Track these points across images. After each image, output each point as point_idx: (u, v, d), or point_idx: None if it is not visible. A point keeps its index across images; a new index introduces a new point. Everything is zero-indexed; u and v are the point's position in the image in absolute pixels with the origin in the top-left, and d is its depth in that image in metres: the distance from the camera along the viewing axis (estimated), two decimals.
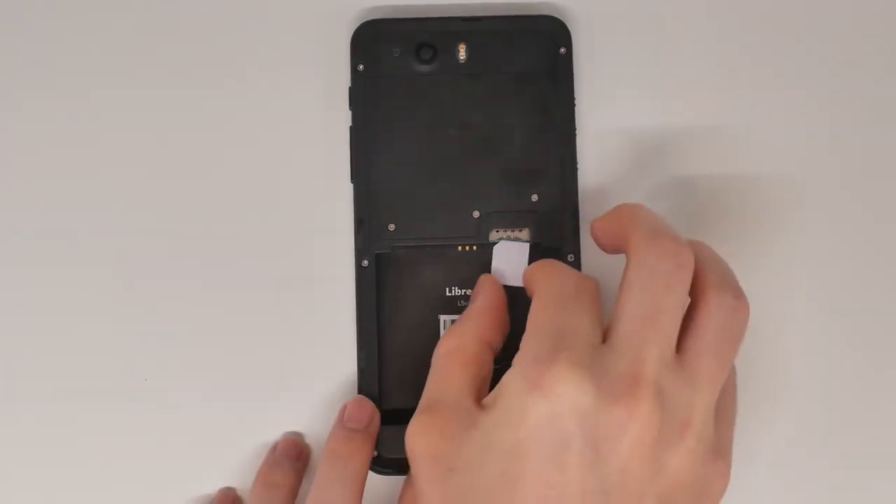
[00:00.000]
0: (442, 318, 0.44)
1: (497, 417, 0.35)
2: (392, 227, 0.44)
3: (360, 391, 0.43)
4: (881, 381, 0.45)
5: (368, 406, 0.43)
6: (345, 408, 0.43)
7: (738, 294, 0.36)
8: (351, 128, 0.44)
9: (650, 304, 0.35)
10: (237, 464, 0.44)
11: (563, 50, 0.44)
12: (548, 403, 0.34)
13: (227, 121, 0.45)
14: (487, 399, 0.37)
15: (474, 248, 0.44)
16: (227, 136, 0.45)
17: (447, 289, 0.44)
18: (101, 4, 0.46)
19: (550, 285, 0.38)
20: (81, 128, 0.45)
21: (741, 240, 0.45)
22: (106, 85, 0.45)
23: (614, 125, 0.45)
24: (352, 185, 0.44)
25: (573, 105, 0.44)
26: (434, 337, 0.43)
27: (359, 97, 0.44)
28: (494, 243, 0.43)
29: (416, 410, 0.38)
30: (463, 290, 0.44)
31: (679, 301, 0.36)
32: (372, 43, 0.44)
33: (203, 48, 0.46)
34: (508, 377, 0.36)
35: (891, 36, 0.46)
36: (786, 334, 0.45)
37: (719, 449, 0.36)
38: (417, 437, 0.37)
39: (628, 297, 0.36)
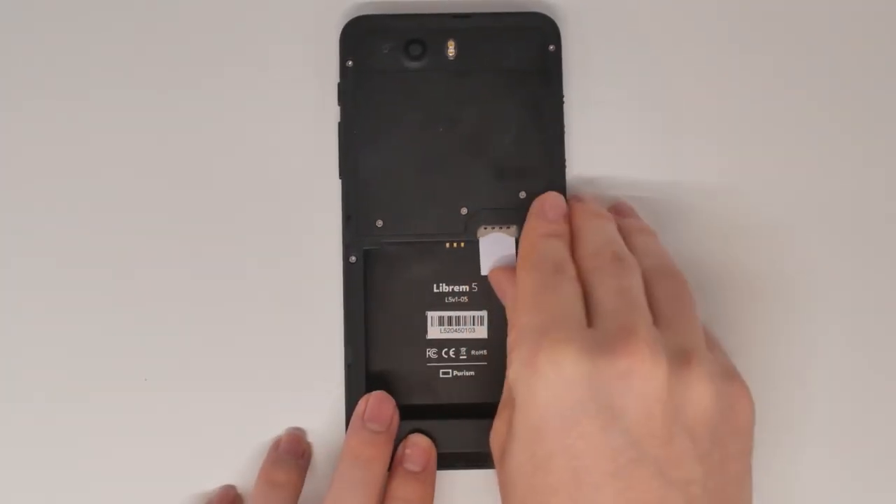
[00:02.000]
0: (429, 314, 0.44)
1: (516, 410, 0.36)
2: (380, 223, 0.44)
3: (346, 387, 0.43)
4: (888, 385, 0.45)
5: (389, 405, 0.43)
6: (365, 404, 0.43)
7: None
8: (339, 124, 0.44)
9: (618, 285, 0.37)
10: (236, 462, 0.44)
11: (552, 47, 0.44)
12: (549, 379, 0.34)
13: (217, 117, 0.45)
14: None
15: (462, 244, 0.44)
16: (218, 133, 0.45)
17: (435, 285, 0.44)
18: (100, 4, 0.46)
19: (528, 264, 0.39)
20: (77, 127, 0.45)
21: (733, 241, 0.45)
22: (102, 84, 0.46)
23: (603, 123, 0.45)
24: (340, 182, 0.44)
25: (562, 102, 0.44)
26: (422, 332, 0.44)
27: (348, 93, 0.44)
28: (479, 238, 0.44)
29: None
30: (450, 287, 0.44)
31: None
32: (361, 39, 0.44)
33: (194, 46, 0.46)
34: (510, 370, 0.36)
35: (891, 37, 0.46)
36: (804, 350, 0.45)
37: (727, 370, 0.37)
38: (493, 432, 0.38)
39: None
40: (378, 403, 0.42)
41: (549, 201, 0.41)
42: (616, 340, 0.35)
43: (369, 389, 0.43)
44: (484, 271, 0.43)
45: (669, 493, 0.34)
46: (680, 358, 0.35)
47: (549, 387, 0.35)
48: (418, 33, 0.44)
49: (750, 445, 0.37)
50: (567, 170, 0.44)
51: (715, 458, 0.35)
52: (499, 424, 0.38)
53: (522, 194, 0.44)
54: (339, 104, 0.44)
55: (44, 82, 0.46)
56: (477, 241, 0.43)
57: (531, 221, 0.41)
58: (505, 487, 0.37)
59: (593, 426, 0.34)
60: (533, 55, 0.44)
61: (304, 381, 0.44)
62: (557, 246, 0.40)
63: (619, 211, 0.43)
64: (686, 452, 0.34)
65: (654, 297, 0.38)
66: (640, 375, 0.34)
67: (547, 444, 0.35)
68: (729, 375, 0.37)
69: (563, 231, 0.40)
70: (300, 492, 0.43)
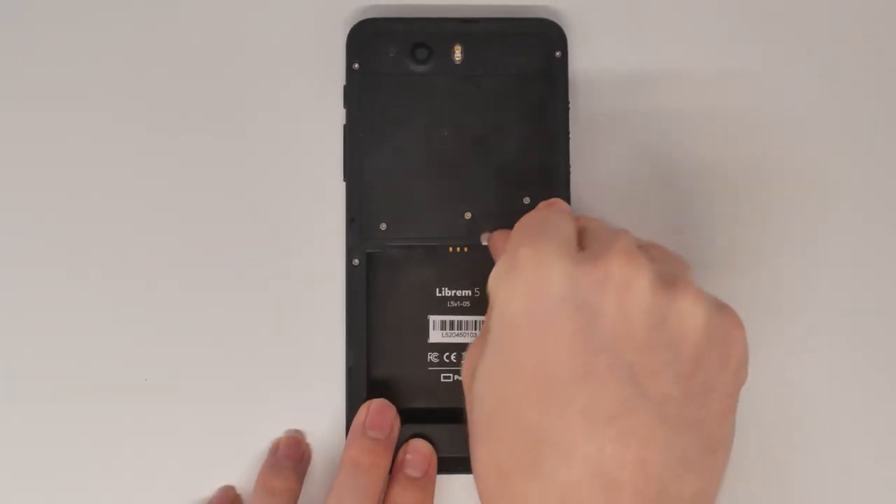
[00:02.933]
0: (431, 318, 0.44)
1: (493, 312, 0.35)
2: (384, 226, 0.44)
3: (348, 390, 0.43)
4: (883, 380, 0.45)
5: (390, 413, 0.43)
6: (366, 411, 0.42)
7: None
8: (345, 126, 0.44)
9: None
10: (236, 463, 0.44)
11: (558, 53, 0.44)
12: (528, 274, 0.33)
13: (220, 119, 0.45)
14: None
15: (465, 249, 0.44)
16: (221, 134, 0.45)
17: (437, 289, 0.44)
18: (101, 5, 0.46)
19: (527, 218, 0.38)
20: (79, 129, 0.45)
21: (733, 244, 0.45)
22: (104, 85, 0.46)
23: (607, 129, 0.45)
24: (344, 184, 0.44)
25: (567, 108, 0.44)
26: (423, 336, 0.44)
27: (353, 96, 0.44)
28: (486, 245, 0.43)
29: None
30: (453, 291, 0.44)
31: None
32: (368, 42, 0.44)
33: (199, 47, 0.46)
34: (493, 271, 0.35)
35: None
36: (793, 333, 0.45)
37: (720, 302, 0.35)
38: (463, 364, 0.37)
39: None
40: (379, 411, 0.42)
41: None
42: (599, 252, 0.34)
43: (370, 393, 0.43)
44: (485, 242, 0.43)
45: (641, 406, 0.32)
46: (668, 277, 0.34)
47: (527, 281, 0.33)
48: (425, 37, 0.44)
49: (738, 386, 0.35)
50: (571, 176, 0.44)
51: (698, 384, 0.33)
52: (472, 349, 0.37)
53: (527, 200, 0.44)
54: (344, 107, 0.44)
55: (44, 84, 0.46)
56: (480, 246, 0.43)
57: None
58: (474, 410, 0.35)
59: (568, 326, 0.33)
60: (539, 61, 0.44)
61: (305, 383, 0.44)
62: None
63: None
64: (665, 366, 0.33)
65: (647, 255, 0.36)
66: (620, 280, 0.33)
67: (520, 345, 0.33)
68: (722, 306, 0.35)
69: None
70: (298, 497, 0.43)
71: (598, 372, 0.32)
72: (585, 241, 0.36)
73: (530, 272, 0.33)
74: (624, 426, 0.32)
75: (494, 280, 0.35)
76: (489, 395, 0.35)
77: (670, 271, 0.34)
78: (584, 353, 0.33)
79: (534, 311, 0.33)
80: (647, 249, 0.36)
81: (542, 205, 0.40)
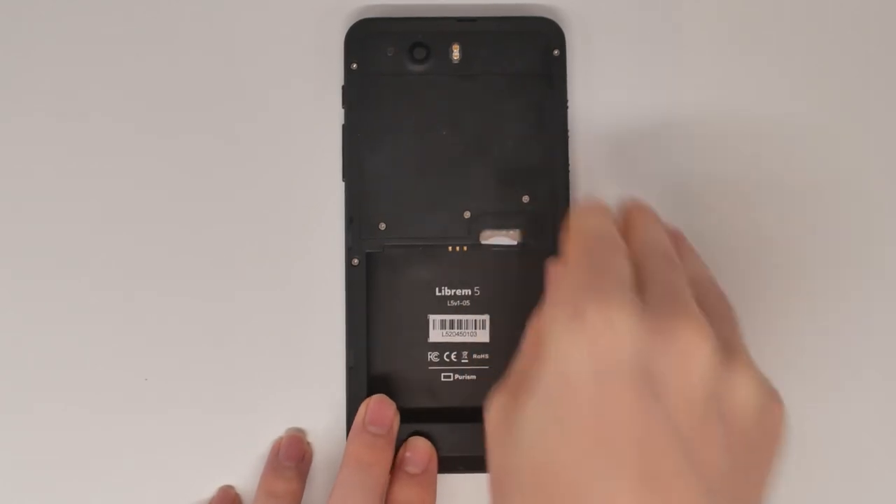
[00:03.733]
0: (431, 317, 0.44)
1: (544, 363, 0.33)
2: (383, 226, 0.44)
3: (348, 390, 0.43)
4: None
5: (390, 408, 0.43)
6: (366, 408, 0.43)
7: None
8: (343, 126, 0.44)
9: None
10: (237, 464, 0.44)
11: (556, 52, 0.44)
12: (596, 333, 0.32)
13: (220, 118, 0.45)
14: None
15: (465, 248, 0.44)
16: (220, 134, 0.45)
17: (437, 289, 0.44)
18: (99, 6, 0.46)
19: (579, 236, 0.37)
20: (80, 129, 0.45)
21: (730, 242, 0.45)
22: (100, 86, 0.46)
23: (607, 127, 0.45)
24: (343, 184, 0.44)
25: (566, 106, 0.44)
26: (423, 336, 0.44)
27: (352, 96, 0.44)
28: (485, 245, 0.44)
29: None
30: (452, 291, 0.44)
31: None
32: (366, 42, 0.44)
33: (197, 47, 0.46)
34: (546, 321, 0.34)
35: None
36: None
37: (769, 381, 0.35)
38: (491, 405, 0.36)
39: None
40: (379, 406, 0.42)
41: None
42: (668, 315, 0.33)
43: (371, 392, 0.43)
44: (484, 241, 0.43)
45: (693, 478, 0.32)
46: (727, 347, 0.34)
47: (595, 342, 0.32)
48: (423, 37, 0.44)
49: (775, 460, 0.35)
50: (570, 174, 0.44)
51: (744, 458, 0.33)
52: (503, 395, 0.35)
53: (525, 198, 0.44)
54: (343, 107, 0.44)
55: (44, 89, 0.46)
56: (479, 245, 0.44)
57: (577, 208, 0.39)
58: (513, 458, 0.34)
59: (631, 393, 0.32)
60: (537, 59, 0.44)
61: (305, 383, 0.44)
62: (607, 222, 0.37)
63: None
64: (716, 439, 0.33)
65: (698, 301, 0.35)
66: (689, 350, 0.32)
67: (574, 401, 0.32)
68: (770, 385, 0.35)
69: (610, 215, 0.38)
70: (301, 499, 0.43)
71: (655, 440, 0.32)
72: (641, 281, 0.35)
73: (598, 334, 0.32)
74: (675, 498, 0.32)
75: (552, 328, 0.33)
76: (536, 449, 0.33)
77: (728, 338, 0.34)
78: (643, 420, 0.32)
79: (595, 372, 0.32)
80: (698, 287, 0.36)
81: (582, 208, 0.38)
